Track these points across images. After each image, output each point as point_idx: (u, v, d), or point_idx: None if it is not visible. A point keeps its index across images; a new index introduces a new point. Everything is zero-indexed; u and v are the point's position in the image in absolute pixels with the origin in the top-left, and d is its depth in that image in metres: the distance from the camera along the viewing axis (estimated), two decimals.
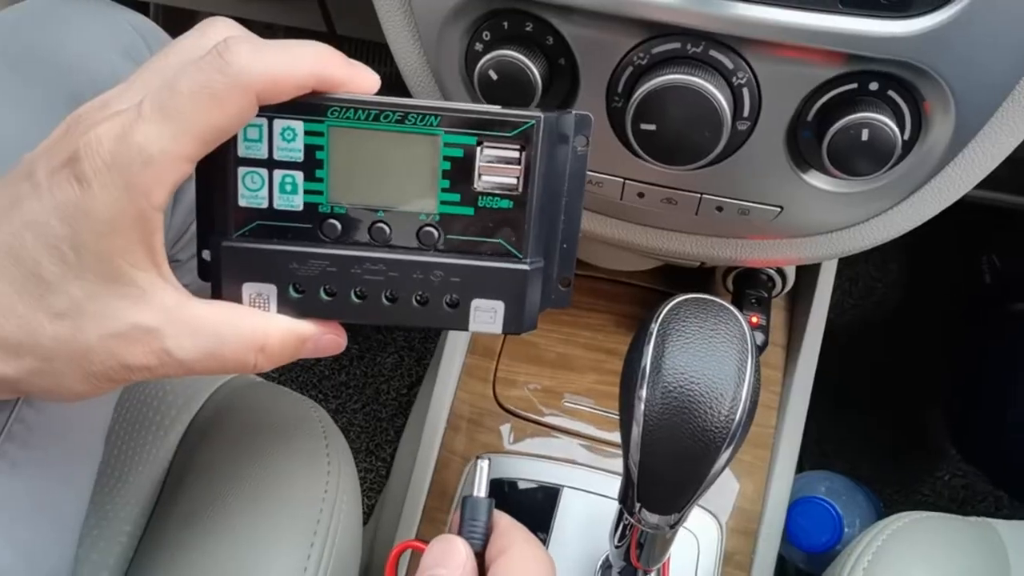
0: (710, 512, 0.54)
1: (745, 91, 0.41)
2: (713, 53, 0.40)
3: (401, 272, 0.33)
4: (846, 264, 1.08)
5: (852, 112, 0.40)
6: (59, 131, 0.31)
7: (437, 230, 0.33)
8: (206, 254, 0.34)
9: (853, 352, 1.06)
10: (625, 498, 0.42)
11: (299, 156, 0.32)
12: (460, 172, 0.33)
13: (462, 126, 0.32)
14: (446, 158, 0.32)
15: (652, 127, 0.41)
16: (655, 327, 0.37)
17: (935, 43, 0.38)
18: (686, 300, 0.38)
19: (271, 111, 0.31)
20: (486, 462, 0.37)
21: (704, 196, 0.47)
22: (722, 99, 0.40)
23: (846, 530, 0.81)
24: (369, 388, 1.09)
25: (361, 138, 0.32)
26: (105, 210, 0.29)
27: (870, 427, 1.05)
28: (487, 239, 0.33)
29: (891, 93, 0.41)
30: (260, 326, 0.33)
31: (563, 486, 0.56)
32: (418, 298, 0.33)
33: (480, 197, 0.33)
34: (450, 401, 0.61)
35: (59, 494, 0.42)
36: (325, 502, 0.46)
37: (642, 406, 0.36)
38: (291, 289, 0.33)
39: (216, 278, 0.33)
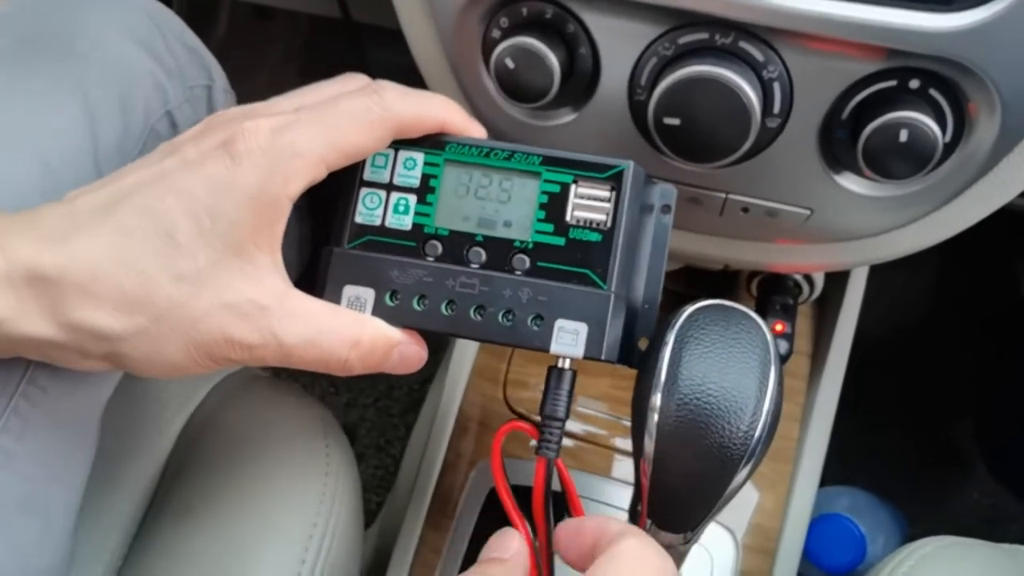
0: (726, 528, 0.52)
1: (776, 86, 0.39)
2: (743, 44, 0.38)
3: (492, 288, 0.36)
4: (875, 269, 1.04)
5: (890, 111, 0.37)
6: (199, 127, 0.35)
7: (529, 257, 0.36)
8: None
9: (879, 361, 1.03)
10: (634, 513, 0.40)
11: (415, 182, 0.37)
12: (555, 206, 0.36)
13: (561, 166, 0.36)
14: (544, 192, 0.36)
15: (676, 122, 0.39)
16: (672, 334, 0.35)
17: (982, 39, 0.36)
18: (706, 306, 0.35)
19: (398, 143, 0.37)
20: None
21: (729, 196, 0.44)
22: (751, 94, 0.37)
23: (869, 547, 0.78)
24: (381, 383, 1.08)
25: (471, 171, 0.37)
26: (250, 186, 0.32)
27: (895, 441, 1.01)
28: (574, 268, 0.35)
29: (933, 92, 0.39)
30: (357, 322, 0.35)
31: None
32: (505, 314, 0.36)
33: (571, 229, 0.36)
34: (459, 402, 0.59)
35: (53, 488, 0.41)
36: (323, 504, 0.45)
37: (655, 417, 0.34)
38: (387, 296, 0.37)
39: (322, 279, 0.37)
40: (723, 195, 0.44)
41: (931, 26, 0.36)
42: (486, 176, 0.37)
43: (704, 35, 0.38)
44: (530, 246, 0.36)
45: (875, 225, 0.45)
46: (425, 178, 0.37)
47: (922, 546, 0.44)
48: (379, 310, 0.37)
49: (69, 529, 0.43)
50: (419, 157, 0.37)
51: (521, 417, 0.59)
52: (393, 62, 0.52)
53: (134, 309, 0.32)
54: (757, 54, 0.38)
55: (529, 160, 0.37)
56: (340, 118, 0.34)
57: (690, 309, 0.35)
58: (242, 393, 0.51)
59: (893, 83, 0.38)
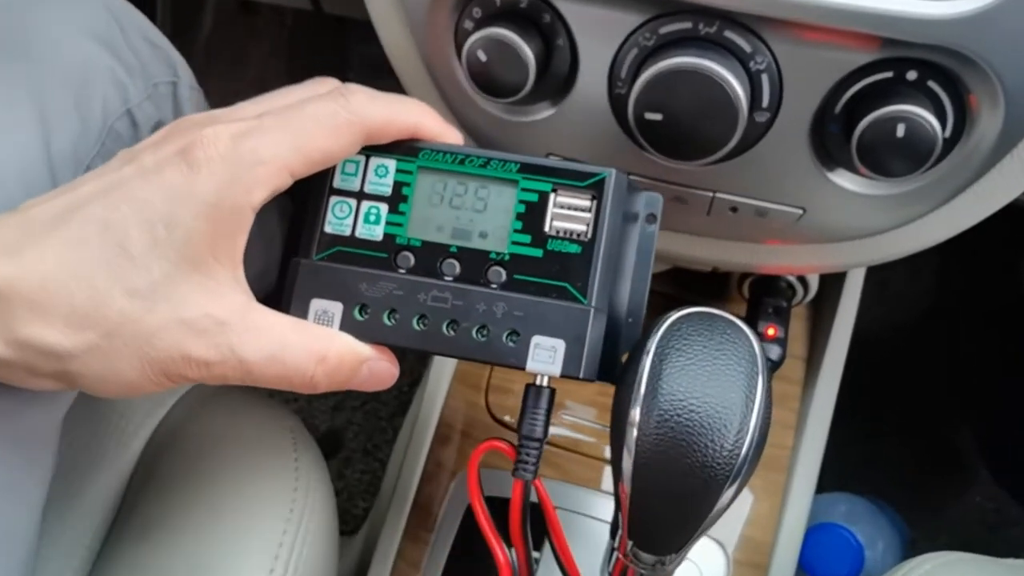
0: (716, 541, 0.50)
1: (764, 78, 0.37)
2: (728, 34, 0.36)
3: (465, 302, 0.34)
4: (873, 267, 1.02)
5: (886, 104, 0.35)
6: (161, 132, 0.34)
7: (505, 269, 0.35)
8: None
9: (879, 362, 1.00)
10: (615, 532, 0.37)
11: (387, 191, 0.36)
12: (533, 216, 0.35)
13: (539, 173, 0.35)
14: (521, 201, 0.35)
15: (658, 117, 0.36)
16: (652, 344, 0.32)
17: (983, 27, 0.34)
18: (689, 314, 0.33)
19: (369, 149, 0.35)
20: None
21: (717, 195, 0.42)
22: (737, 86, 0.35)
23: (867, 552, 0.76)
24: None
25: (445, 179, 0.35)
26: (208, 195, 0.31)
27: (896, 444, 0.99)
28: (553, 281, 0.34)
29: (931, 84, 0.36)
30: (323, 337, 0.34)
31: (557, 507, 0.52)
32: (479, 330, 0.34)
33: (550, 240, 0.34)
34: (439, 410, 0.57)
35: (7, 510, 0.39)
36: (291, 520, 0.43)
37: (634, 433, 0.32)
38: (356, 311, 0.35)
39: (288, 293, 0.36)
40: (710, 194, 0.42)
41: (929, 13, 0.34)
42: (461, 184, 0.35)
43: (687, 24, 0.36)
44: (506, 258, 0.35)
45: (871, 225, 0.43)
46: (397, 186, 0.36)
47: (922, 563, 0.42)
48: (347, 325, 0.35)
49: (27, 551, 0.41)
50: (391, 164, 0.36)
51: (503, 425, 0.57)
52: (380, 56, 0.50)
53: (85, 324, 0.31)
54: (744, 44, 0.36)
55: (506, 167, 0.35)
56: (305, 122, 0.32)
57: (672, 317, 0.33)
58: (209, 404, 0.49)
59: (889, 74, 0.36)
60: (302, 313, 0.35)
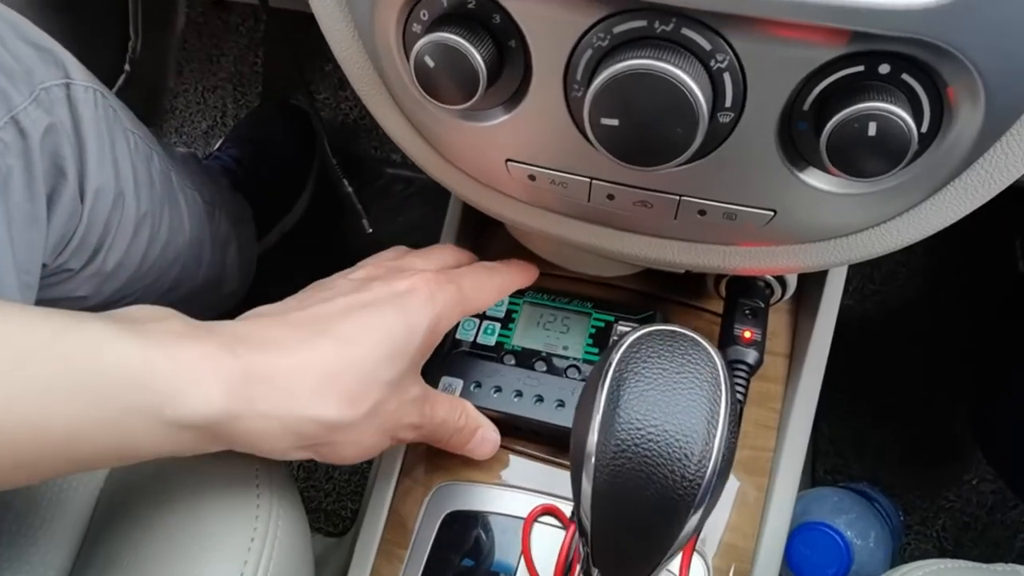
0: (695, 549, 0.49)
1: (726, 77, 0.35)
2: (686, 32, 0.34)
3: (549, 385, 0.50)
4: None
5: (856, 101, 0.33)
6: (360, 274, 0.47)
7: (579, 368, 0.50)
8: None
9: (874, 344, 0.99)
10: (582, 557, 0.36)
11: (501, 315, 0.54)
12: (601, 335, 0.51)
13: (607, 310, 0.53)
14: (593, 327, 0.52)
15: (614, 122, 0.34)
16: (610, 368, 0.31)
17: (959, 16, 0.31)
18: (649, 333, 0.32)
19: None
20: None
21: (683, 198, 0.40)
22: (696, 88, 0.33)
23: (859, 543, 0.74)
24: None
25: (541, 310, 0.53)
26: (423, 326, 0.43)
27: (892, 426, 0.97)
28: None
29: (906, 77, 0.34)
30: (459, 401, 0.48)
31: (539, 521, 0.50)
32: (558, 404, 0.49)
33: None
34: None
35: None
36: (255, 541, 0.41)
37: (592, 463, 0.30)
38: (472, 386, 0.50)
39: (426, 372, 0.46)
40: (676, 198, 0.40)
41: (900, 3, 0.31)
42: (552, 315, 0.53)
43: (642, 23, 0.34)
44: (581, 361, 0.50)
45: (846, 225, 0.41)
46: (508, 312, 0.53)
47: (913, 570, 0.41)
48: (465, 395, 0.50)
49: None
50: (505, 300, 0.53)
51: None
52: None
53: (356, 403, 0.39)
54: (703, 42, 0.34)
55: (584, 305, 0.53)
56: (474, 285, 0.47)
57: (631, 338, 0.31)
58: None
59: (860, 68, 0.34)
60: (434, 384, 0.50)
